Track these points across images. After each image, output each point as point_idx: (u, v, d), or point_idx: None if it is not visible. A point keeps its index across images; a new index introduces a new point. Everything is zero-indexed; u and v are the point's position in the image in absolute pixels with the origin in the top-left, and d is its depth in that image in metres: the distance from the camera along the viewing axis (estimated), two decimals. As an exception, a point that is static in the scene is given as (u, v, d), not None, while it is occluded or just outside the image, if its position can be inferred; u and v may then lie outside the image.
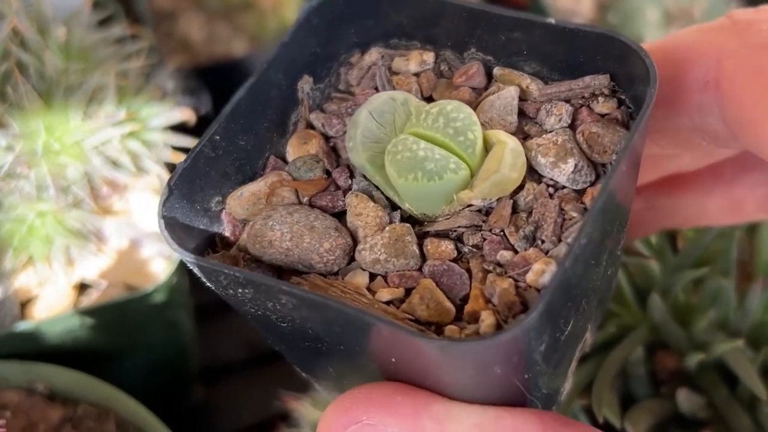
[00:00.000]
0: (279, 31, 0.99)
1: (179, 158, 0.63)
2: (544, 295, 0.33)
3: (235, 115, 0.40)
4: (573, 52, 0.41)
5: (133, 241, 0.66)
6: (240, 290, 0.36)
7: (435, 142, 0.38)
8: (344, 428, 0.36)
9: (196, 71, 0.89)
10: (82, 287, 0.65)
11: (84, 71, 0.61)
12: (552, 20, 0.40)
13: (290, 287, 0.35)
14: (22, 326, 0.61)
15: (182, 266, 0.64)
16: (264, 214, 0.38)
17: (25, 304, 0.63)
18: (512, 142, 0.38)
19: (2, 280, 0.61)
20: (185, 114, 0.64)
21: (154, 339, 0.69)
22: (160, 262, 0.66)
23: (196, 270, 0.37)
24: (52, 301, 0.63)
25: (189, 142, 0.64)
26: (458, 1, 0.42)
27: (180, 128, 0.64)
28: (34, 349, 0.62)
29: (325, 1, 0.43)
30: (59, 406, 0.60)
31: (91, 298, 0.64)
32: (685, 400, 0.56)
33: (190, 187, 0.39)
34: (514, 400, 0.37)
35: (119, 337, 0.66)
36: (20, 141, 0.57)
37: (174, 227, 0.37)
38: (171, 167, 0.64)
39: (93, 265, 0.64)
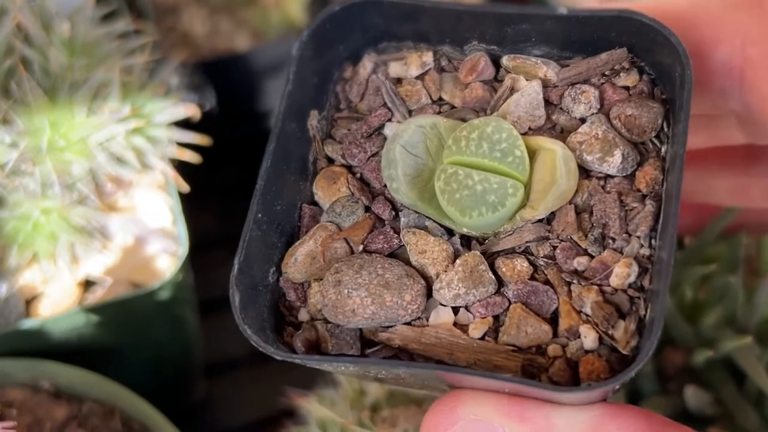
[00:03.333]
0: (282, 25, 0.99)
1: (184, 155, 0.63)
2: (660, 310, 0.33)
3: (268, 186, 0.39)
4: (586, 33, 0.40)
5: (138, 238, 0.65)
6: (343, 367, 0.37)
7: (484, 167, 0.38)
8: (452, 424, 0.36)
9: (199, 66, 0.88)
10: (87, 284, 0.65)
11: (88, 67, 0.61)
12: (564, 11, 0.39)
13: (416, 366, 0.36)
14: (27, 324, 0.61)
15: (187, 263, 0.64)
16: (331, 279, 0.38)
17: (30, 302, 0.63)
18: (560, 149, 0.38)
19: (7, 277, 0.61)
20: (189, 110, 0.63)
21: (159, 336, 0.68)
22: (165, 258, 0.66)
23: (295, 362, 0.37)
24: (57, 298, 0.63)
25: (193, 138, 0.64)
26: (459, 6, 0.41)
27: (184, 124, 0.64)
28: (39, 346, 0.62)
29: (314, 31, 0.42)
30: (64, 403, 0.60)
31: (96, 296, 0.64)
32: (693, 396, 0.56)
33: (251, 275, 0.38)
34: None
35: (124, 335, 0.65)
36: (25, 138, 0.57)
37: (253, 326, 0.37)
38: (175, 163, 0.64)
39: (98, 262, 0.64)
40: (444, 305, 0.38)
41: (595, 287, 0.36)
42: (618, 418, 0.35)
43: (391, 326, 0.38)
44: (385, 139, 0.41)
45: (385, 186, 0.40)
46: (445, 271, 0.38)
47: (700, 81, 0.40)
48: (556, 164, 0.37)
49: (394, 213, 0.40)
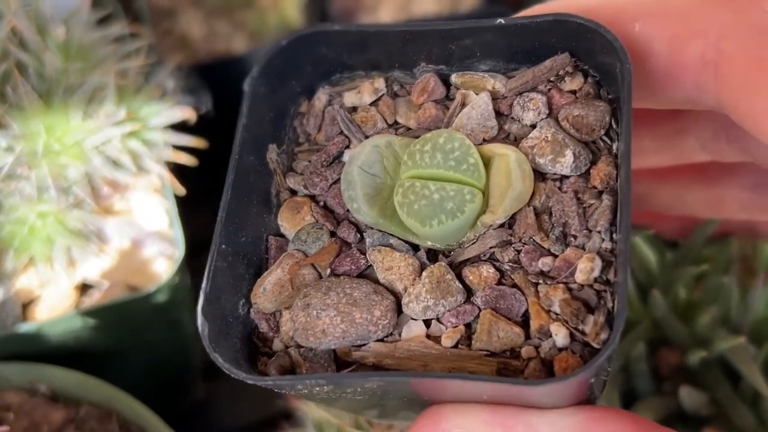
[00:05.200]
0: (279, 27, 0.99)
1: (180, 158, 0.63)
2: (622, 296, 0.34)
3: (230, 218, 0.39)
4: (527, 42, 0.41)
5: (135, 241, 0.66)
6: (318, 388, 0.36)
7: (440, 178, 0.38)
8: None
9: (195, 69, 0.88)
10: (84, 288, 0.65)
11: (83, 71, 0.61)
12: (501, 21, 0.40)
13: (388, 375, 0.36)
14: (24, 327, 0.61)
15: (184, 266, 0.64)
16: (300, 303, 0.38)
17: (26, 305, 0.63)
18: (513, 153, 0.38)
19: (4, 281, 0.61)
20: (185, 113, 0.64)
21: (155, 338, 0.69)
22: (161, 261, 0.66)
23: (267, 386, 0.37)
24: (53, 301, 0.63)
25: (189, 141, 0.64)
26: (402, 26, 0.42)
27: (180, 127, 0.64)
28: (36, 350, 0.62)
29: (264, 67, 0.42)
30: (62, 407, 0.60)
31: (92, 299, 0.64)
32: (688, 396, 0.56)
33: (220, 307, 0.38)
34: (596, 394, 0.38)
35: (121, 338, 0.66)
36: (20, 142, 0.57)
37: (225, 354, 0.37)
38: (171, 166, 0.64)
39: (94, 266, 0.64)
40: (415, 319, 0.38)
41: (562, 285, 0.37)
42: (603, 421, 0.35)
43: (364, 344, 0.38)
44: (344, 165, 0.41)
45: (349, 210, 0.41)
46: (413, 285, 0.38)
47: (674, 77, 0.40)
48: (510, 167, 0.38)
49: (359, 235, 0.40)
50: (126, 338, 0.66)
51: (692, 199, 0.52)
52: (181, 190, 0.65)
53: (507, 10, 1.09)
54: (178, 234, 0.64)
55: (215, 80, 0.86)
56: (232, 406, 0.79)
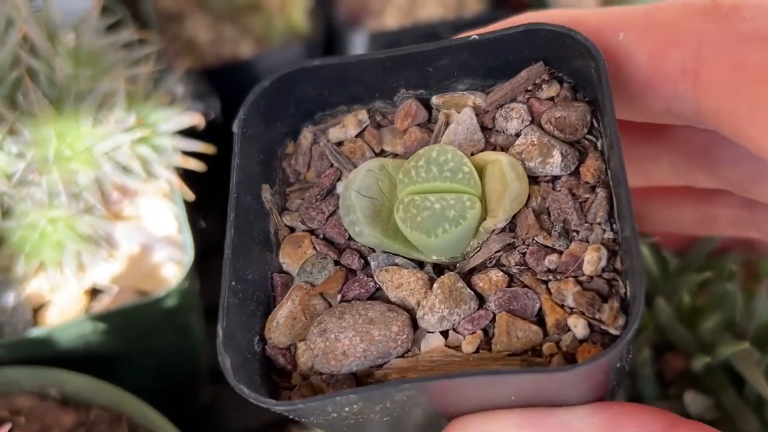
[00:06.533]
0: (286, 31, 0.99)
1: (189, 163, 0.64)
2: (640, 277, 0.34)
3: (236, 255, 0.39)
4: (502, 56, 0.41)
5: (144, 246, 0.66)
6: (347, 408, 0.36)
7: (437, 190, 0.39)
8: None
9: (202, 73, 0.89)
10: (94, 293, 0.65)
11: (93, 77, 0.61)
12: (476, 36, 0.41)
13: (421, 380, 0.35)
14: (35, 332, 0.61)
15: (193, 271, 0.64)
16: (316, 330, 0.38)
17: (37, 310, 0.64)
18: (504, 157, 0.39)
19: (14, 286, 0.62)
20: (194, 118, 0.64)
21: (165, 342, 0.69)
22: (170, 266, 0.66)
23: (289, 412, 0.37)
24: (64, 306, 0.63)
25: (198, 146, 0.64)
26: (380, 53, 0.42)
27: (189, 132, 0.64)
28: (46, 354, 0.62)
29: (250, 108, 0.42)
30: (72, 410, 0.61)
31: (102, 304, 0.64)
32: (693, 401, 0.57)
33: (236, 343, 0.38)
34: (620, 381, 0.38)
35: (130, 342, 0.66)
36: (31, 148, 0.58)
37: (249, 385, 0.36)
38: (180, 172, 0.65)
39: (104, 271, 0.65)
40: (431, 332, 0.38)
41: (571, 279, 0.37)
42: (631, 415, 0.35)
43: (384, 363, 0.38)
44: (339, 197, 0.42)
45: (349, 239, 0.41)
46: (425, 298, 0.38)
47: (653, 85, 0.41)
48: (503, 171, 0.39)
49: (363, 261, 0.41)
50: (135, 342, 0.67)
51: (683, 217, 0.52)
52: (190, 196, 0.65)
53: (511, 15, 1.09)
54: (187, 239, 0.65)
55: (222, 85, 0.86)
56: (239, 409, 0.79)
